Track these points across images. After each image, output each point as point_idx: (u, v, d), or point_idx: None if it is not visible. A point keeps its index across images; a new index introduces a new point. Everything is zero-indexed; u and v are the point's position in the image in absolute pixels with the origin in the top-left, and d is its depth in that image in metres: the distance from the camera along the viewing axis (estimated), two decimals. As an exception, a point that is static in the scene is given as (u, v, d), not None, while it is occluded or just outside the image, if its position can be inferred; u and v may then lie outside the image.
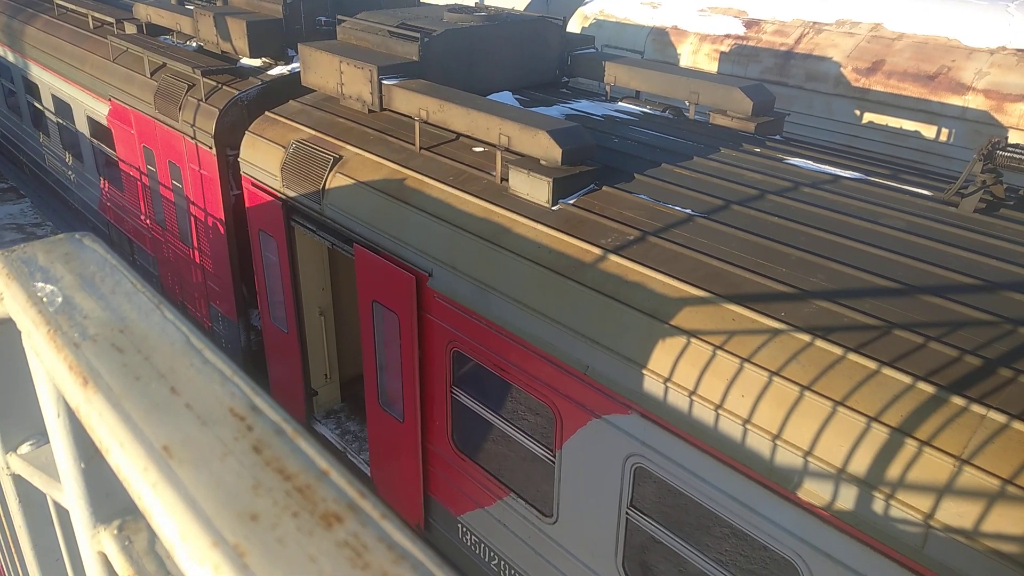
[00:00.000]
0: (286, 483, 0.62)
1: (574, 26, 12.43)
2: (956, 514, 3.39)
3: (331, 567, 0.55)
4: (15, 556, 1.94)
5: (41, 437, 1.46)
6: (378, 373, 6.72)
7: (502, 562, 6.00)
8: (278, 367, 8.46)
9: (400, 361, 6.33)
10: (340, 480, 0.63)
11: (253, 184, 7.69)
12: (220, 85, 8.38)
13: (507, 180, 5.75)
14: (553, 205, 5.46)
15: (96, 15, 11.20)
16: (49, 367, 0.85)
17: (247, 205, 7.96)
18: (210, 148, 8.20)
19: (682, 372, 4.31)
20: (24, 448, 1.44)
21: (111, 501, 1.00)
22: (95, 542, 1.01)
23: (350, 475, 0.64)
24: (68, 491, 1.03)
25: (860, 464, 3.66)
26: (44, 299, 0.88)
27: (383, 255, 6.20)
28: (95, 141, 10.96)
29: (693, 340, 4.32)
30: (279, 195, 7.34)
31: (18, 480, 1.46)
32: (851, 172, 5.79)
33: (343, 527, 0.58)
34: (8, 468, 1.44)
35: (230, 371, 0.76)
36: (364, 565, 0.55)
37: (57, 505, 1.40)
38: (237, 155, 7.97)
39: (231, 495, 0.61)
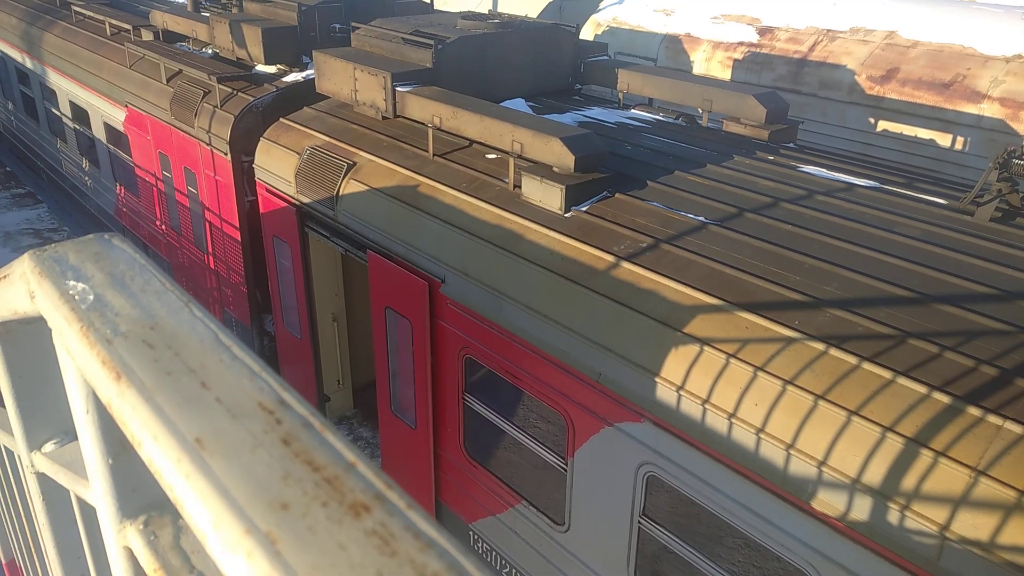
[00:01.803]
0: (315, 474, 0.64)
1: (587, 33, 12.47)
2: (972, 526, 3.36)
3: (360, 554, 0.56)
4: (35, 554, 1.96)
5: (65, 436, 1.48)
6: (390, 379, 6.75)
7: (513, 570, 5.99)
8: (291, 372, 8.50)
9: (412, 368, 6.35)
10: (367, 472, 0.64)
11: (267, 190, 7.75)
12: (235, 92, 8.46)
13: (520, 187, 5.77)
14: (566, 212, 5.47)
15: (113, 22, 11.34)
16: (81, 363, 0.87)
17: (261, 211, 8.02)
18: (225, 154, 8.27)
19: (695, 380, 4.31)
20: (48, 447, 1.46)
21: (137, 496, 1.01)
22: (121, 537, 1.02)
23: (376, 467, 0.65)
24: (95, 487, 1.05)
25: (875, 474, 3.65)
26: (76, 297, 0.91)
27: (396, 262, 6.24)
28: (111, 147, 11.08)
29: (706, 348, 4.32)
30: (293, 201, 7.39)
31: (42, 478, 1.48)
32: (865, 180, 5.78)
33: (371, 516, 0.60)
34: (33, 466, 1.47)
35: (258, 367, 0.78)
36: (392, 553, 0.56)
37: (80, 502, 1.42)
38: (252, 161, 8.03)
39: (262, 485, 0.63)
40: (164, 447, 0.68)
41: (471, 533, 6.36)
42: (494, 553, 6.16)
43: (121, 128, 10.45)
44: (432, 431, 6.35)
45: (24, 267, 1.00)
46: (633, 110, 7.78)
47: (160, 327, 0.84)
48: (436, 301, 5.93)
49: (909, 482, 3.55)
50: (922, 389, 3.68)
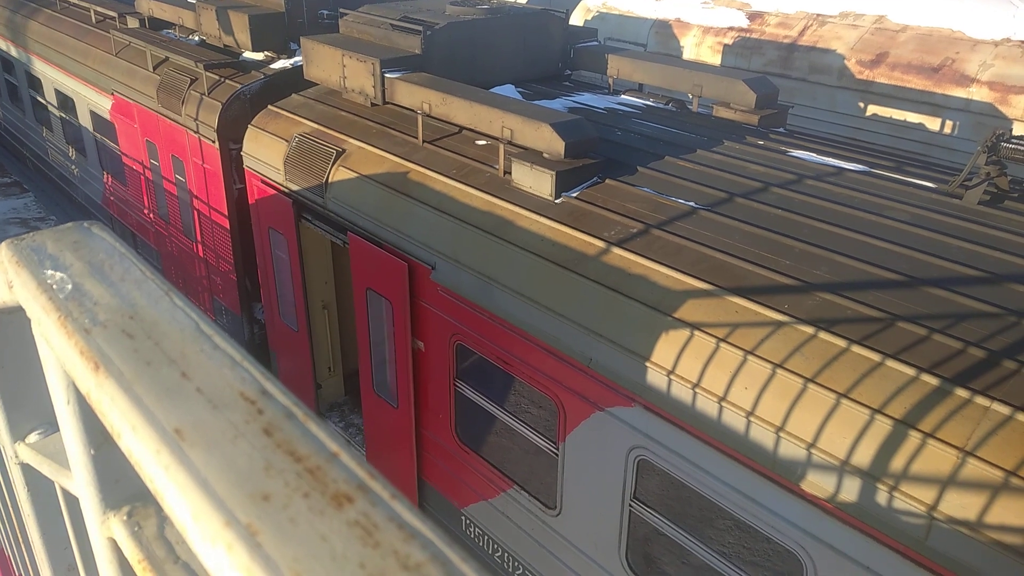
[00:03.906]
0: (297, 465, 0.63)
1: (577, 19, 12.41)
2: (959, 506, 3.39)
3: (342, 545, 0.56)
4: (23, 546, 1.95)
5: (49, 426, 1.47)
6: (372, 360, 6.79)
7: (505, 554, 6.02)
8: (287, 366, 8.44)
9: (394, 348, 6.39)
10: (350, 462, 0.63)
11: (263, 181, 7.70)
12: (223, 79, 8.38)
13: (510, 173, 5.75)
14: (556, 198, 5.46)
15: (98, 9, 11.20)
16: (60, 353, 0.86)
17: (250, 199, 7.97)
18: (213, 142, 8.20)
19: (685, 364, 4.32)
20: (32, 437, 1.45)
21: (120, 487, 1.00)
22: (105, 528, 1.02)
23: (360, 457, 0.65)
24: (78, 478, 1.04)
25: (863, 456, 3.67)
26: (54, 286, 0.89)
27: (377, 243, 6.25)
28: (98, 135, 10.97)
29: (696, 332, 4.32)
30: (282, 189, 7.34)
31: (27, 469, 1.47)
32: (855, 164, 5.78)
33: (354, 507, 0.59)
34: (17, 457, 1.45)
35: (240, 356, 0.77)
36: (375, 544, 0.56)
37: (65, 493, 1.41)
38: (240, 149, 7.97)
39: (243, 476, 0.62)
40: (143, 438, 0.67)
41: (463, 518, 6.38)
42: (486, 537, 6.19)
43: (108, 116, 10.34)
44: (414, 410, 6.40)
45: (1, 256, 0.99)
46: (623, 96, 7.75)
47: (140, 316, 0.83)
48: (416, 282, 5.94)
49: (897, 463, 3.57)
50: (910, 371, 3.70)
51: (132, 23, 10.64)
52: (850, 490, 3.71)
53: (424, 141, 6.47)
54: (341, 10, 8.01)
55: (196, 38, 9.82)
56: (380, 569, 0.54)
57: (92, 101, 10.67)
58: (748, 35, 10.52)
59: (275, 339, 8.51)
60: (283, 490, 0.60)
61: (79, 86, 10.93)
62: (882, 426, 3.64)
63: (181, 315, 0.83)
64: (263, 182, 7.61)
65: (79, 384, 0.80)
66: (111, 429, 0.73)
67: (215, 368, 0.75)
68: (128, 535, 0.95)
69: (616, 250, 4.91)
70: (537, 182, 5.53)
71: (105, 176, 11.33)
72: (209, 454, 0.64)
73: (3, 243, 1.00)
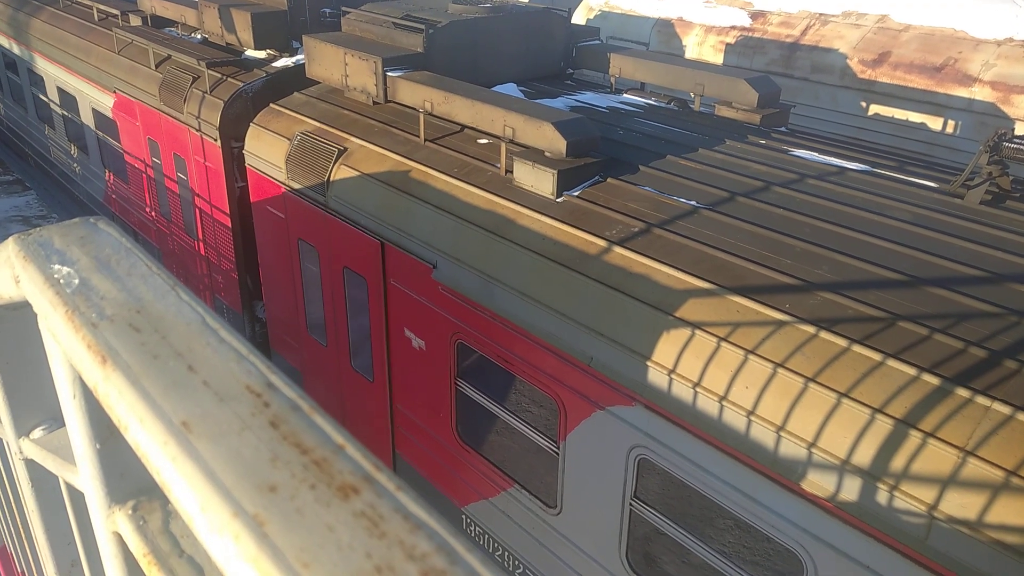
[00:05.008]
0: (303, 456, 0.64)
1: (579, 18, 12.41)
2: (960, 505, 3.40)
3: (349, 536, 0.56)
4: (25, 541, 1.96)
5: (53, 422, 1.48)
6: (350, 337, 6.88)
7: (506, 553, 6.02)
8: (313, 383, 8.31)
9: (369, 323, 6.51)
10: (356, 454, 0.64)
11: (258, 176, 7.70)
12: (225, 77, 8.38)
13: (512, 172, 5.76)
14: (558, 197, 5.46)
15: (101, 7, 11.22)
16: (66, 348, 0.86)
17: (252, 198, 7.97)
18: (215, 140, 8.21)
19: (686, 364, 4.32)
20: (37, 433, 1.46)
21: (125, 481, 1.01)
22: (110, 522, 1.02)
23: (365, 449, 0.65)
24: (83, 472, 1.05)
25: (864, 455, 3.67)
26: (61, 281, 0.90)
27: (351, 223, 6.39)
28: (100, 133, 10.98)
29: (697, 332, 4.33)
30: (284, 187, 7.35)
31: (31, 465, 1.48)
32: (856, 164, 5.78)
33: (360, 498, 0.59)
34: (21, 453, 1.46)
35: (245, 350, 0.78)
36: (381, 534, 0.56)
37: (69, 488, 1.42)
38: (242, 147, 7.97)
39: (250, 468, 0.62)
40: (150, 431, 0.68)
41: (464, 517, 6.39)
42: (487, 536, 6.19)
43: (110, 114, 10.35)
44: (388, 382, 6.49)
45: (8, 251, 0.99)
46: (625, 95, 7.76)
47: (146, 311, 0.83)
48: (388, 259, 6.13)
49: (898, 463, 3.57)
50: (911, 371, 3.70)
51: (134, 21, 10.66)
52: (851, 489, 3.71)
53: (426, 140, 6.48)
54: (343, 8, 8.02)
55: (198, 36, 9.83)
56: (386, 559, 0.54)
57: (94, 99, 10.68)
58: (750, 34, 10.52)
59: (300, 356, 8.21)
60: (290, 481, 0.61)
61: (81, 84, 10.94)
62: (883, 425, 3.64)
63: (187, 309, 0.84)
64: (265, 180, 7.61)
65: (86, 378, 0.81)
66: (118, 422, 0.73)
67: (221, 361, 0.76)
68: (133, 529, 0.95)
69: (617, 249, 4.91)
70: (539, 181, 5.53)
71: (107, 174, 11.34)
72: (216, 446, 0.65)
73: (10, 238, 1.01)
